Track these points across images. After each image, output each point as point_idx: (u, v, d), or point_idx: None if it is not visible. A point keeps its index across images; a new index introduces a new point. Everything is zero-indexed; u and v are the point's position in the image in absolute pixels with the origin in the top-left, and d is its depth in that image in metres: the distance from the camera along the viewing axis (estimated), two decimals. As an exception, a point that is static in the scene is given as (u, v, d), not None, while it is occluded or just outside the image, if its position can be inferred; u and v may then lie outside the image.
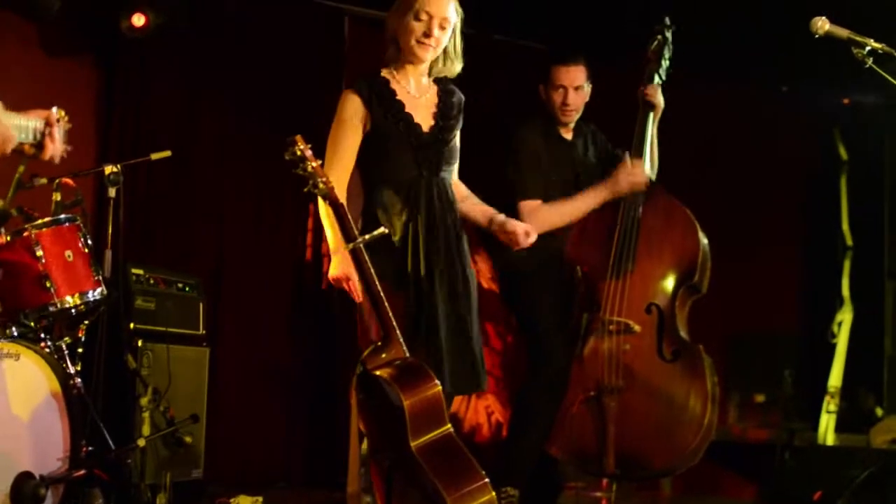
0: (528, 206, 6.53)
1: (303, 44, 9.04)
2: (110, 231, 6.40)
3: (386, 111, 5.32)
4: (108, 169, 6.33)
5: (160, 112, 8.46)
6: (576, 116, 6.86)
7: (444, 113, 5.42)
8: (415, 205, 5.25)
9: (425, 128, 5.36)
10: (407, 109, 5.34)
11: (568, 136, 6.90)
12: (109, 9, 8.01)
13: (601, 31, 8.63)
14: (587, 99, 6.86)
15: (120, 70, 8.41)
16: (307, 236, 9.01)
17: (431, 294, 5.19)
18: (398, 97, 5.37)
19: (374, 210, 5.26)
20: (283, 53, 8.93)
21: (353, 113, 5.32)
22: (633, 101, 6.89)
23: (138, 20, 7.93)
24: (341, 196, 4.90)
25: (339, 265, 5.11)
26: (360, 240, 4.77)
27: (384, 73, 5.44)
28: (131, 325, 7.13)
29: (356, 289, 5.06)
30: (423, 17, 5.25)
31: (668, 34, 6.85)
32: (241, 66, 8.76)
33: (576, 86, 6.75)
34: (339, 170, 5.25)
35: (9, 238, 5.57)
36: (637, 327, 6.49)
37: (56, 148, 3.93)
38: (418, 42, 5.29)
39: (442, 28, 5.28)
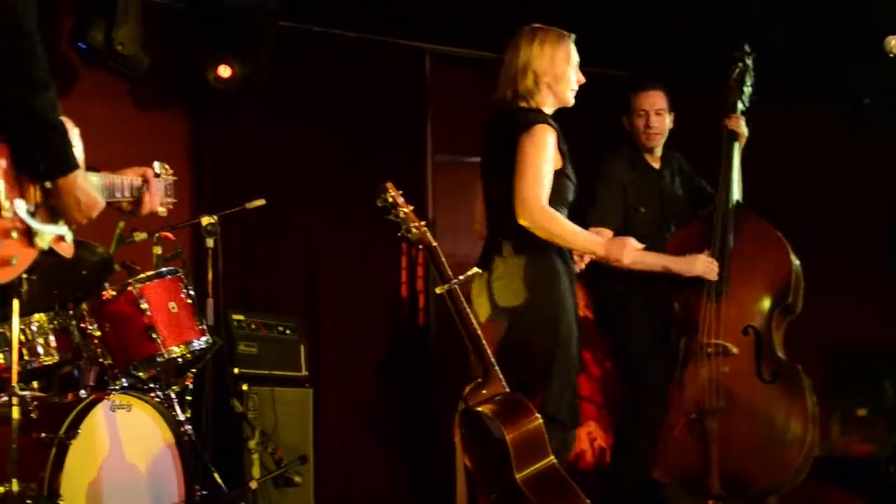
0: (601, 233, 6.55)
1: (385, 84, 9.15)
2: (210, 280, 6.56)
3: (565, 151, 5.49)
4: (205, 220, 6.50)
5: (250, 160, 8.63)
6: (660, 140, 6.91)
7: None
8: None
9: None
10: None
11: (655, 164, 6.96)
12: (196, 62, 8.20)
13: (674, 59, 8.64)
14: (671, 126, 6.91)
15: (209, 121, 8.61)
16: (401, 274, 9.11)
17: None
18: None
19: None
20: (367, 94, 9.05)
21: (553, 148, 5.45)
22: (710, 128, 6.92)
23: (224, 71, 8.11)
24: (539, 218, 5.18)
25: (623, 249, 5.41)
26: (454, 281, 4.85)
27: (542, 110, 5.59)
28: (235, 370, 7.29)
29: None
30: (576, 61, 5.66)
31: (749, 61, 6.85)
32: (326, 110, 8.90)
33: (656, 109, 6.82)
34: (544, 193, 5.37)
35: (114, 293, 5.71)
36: (735, 349, 6.51)
37: (153, 203, 4.01)
38: (572, 90, 5.56)
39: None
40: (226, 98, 8.42)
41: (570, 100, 5.66)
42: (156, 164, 4.16)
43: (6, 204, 3.23)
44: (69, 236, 3.55)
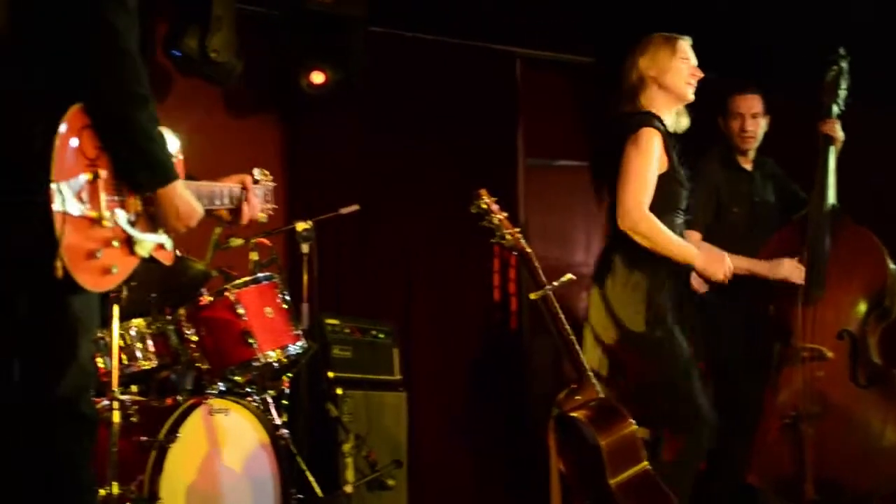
0: (690, 236, 6.50)
1: (476, 88, 9.18)
2: (305, 285, 6.62)
3: (673, 155, 5.49)
4: (300, 226, 6.56)
5: (343, 165, 8.68)
6: (754, 144, 6.87)
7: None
8: None
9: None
10: None
11: (747, 166, 6.91)
12: (289, 68, 8.29)
13: (767, 63, 8.56)
14: (765, 129, 6.87)
15: (303, 126, 8.70)
16: (493, 277, 9.12)
17: None
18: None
19: None
20: (458, 99, 9.09)
21: (659, 151, 5.45)
22: (805, 133, 6.86)
23: (317, 77, 8.19)
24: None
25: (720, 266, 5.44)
26: (548, 287, 4.87)
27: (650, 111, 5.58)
28: (330, 374, 7.35)
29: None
30: (687, 56, 5.60)
31: (844, 64, 6.76)
32: (418, 115, 8.95)
33: (753, 112, 6.79)
34: (647, 199, 5.38)
35: (211, 298, 5.79)
36: (830, 353, 6.44)
37: (253, 211, 4.04)
38: (688, 84, 5.52)
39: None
40: (318, 104, 8.48)
41: (688, 94, 5.65)
42: (255, 171, 4.19)
43: (107, 214, 3.29)
44: (169, 244, 3.61)
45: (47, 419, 3.34)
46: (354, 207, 7.04)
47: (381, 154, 8.82)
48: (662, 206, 5.38)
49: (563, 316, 4.91)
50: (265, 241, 6.31)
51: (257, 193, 4.07)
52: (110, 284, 3.37)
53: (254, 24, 8.34)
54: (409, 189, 8.91)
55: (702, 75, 5.66)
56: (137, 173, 3.34)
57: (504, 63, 9.39)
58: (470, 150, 9.03)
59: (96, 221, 3.28)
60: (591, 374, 5.00)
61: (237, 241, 6.34)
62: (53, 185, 3.13)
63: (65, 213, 3.17)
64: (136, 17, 3.33)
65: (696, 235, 6.50)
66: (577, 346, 4.98)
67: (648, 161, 5.34)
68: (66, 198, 3.16)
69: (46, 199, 3.12)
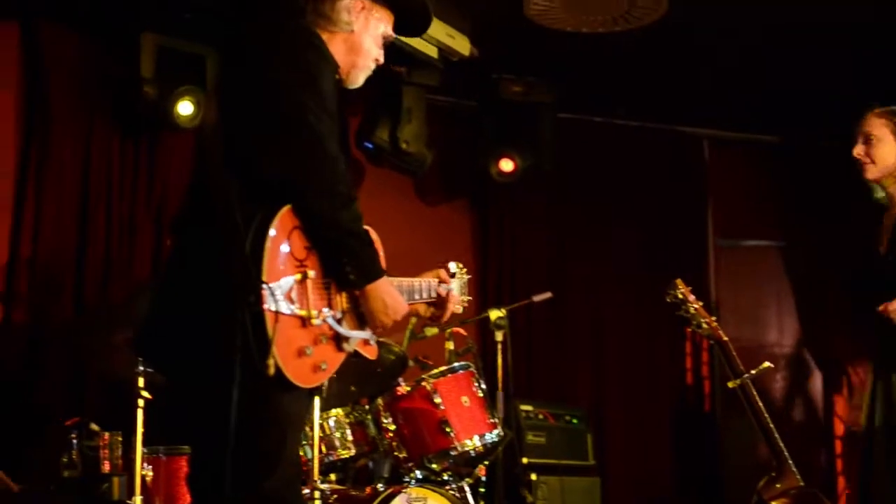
0: None
1: (665, 170, 9.20)
2: (500, 373, 6.64)
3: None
4: (494, 314, 6.59)
5: (533, 251, 8.76)
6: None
7: None
8: None
9: None
10: None
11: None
12: (479, 156, 8.41)
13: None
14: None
15: (492, 214, 8.81)
16: (685, 360, 9.05)
17: None
18: None
19: None
20: (647, 181, 9.13)
21: None
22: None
23: (507, 165, 8.30)
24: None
25: None
26: (746, 375, 4.83)
27: None
28: (524, 461, 7.36)
29: None
30: None
31: None
32: (607, 198, 9.00)
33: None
34: None
35: (408, 388, 5.84)
36: None
37: (452, 306, 4.09)
38: None
39: None
40: (508, 190, 8.57)
41: None
42: (451, 264, 4.25)
43: (315, 312, 3.38)
44: (373, 339, 3.69)
45: None
46: (547, 295, 7.03)
47: (570, 239, 8.88)
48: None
49: (761, 403, 4.85)
50: (461, 330, 6.36)
51: (454, 287, 4.12)
52: (320, 380, 3.44)
53: (443, 113, 8.52)
54: (599, 273, 8.93)
55: None
56: (346, 271, 3.42)
57: (692, 144, 9.41)
58: (659, 231, 9.04)
59: (306, 320, 3.37)
60: (790, 461, 4.92)
61: (432, 331, 6.40)
62: (265, 287, 3.24)
63: (277, 313, 3.27)
64: (336, 120, 3.44)
65: None
66: (776, 433, 4.91)
67: None
68: (278, 298, 3.27)
69: (259, 300, 3.22)
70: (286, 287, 3.31)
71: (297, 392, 3.45)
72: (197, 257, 3.42)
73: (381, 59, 3.85)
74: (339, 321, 3.48)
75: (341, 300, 3.52)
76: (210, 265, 3.35)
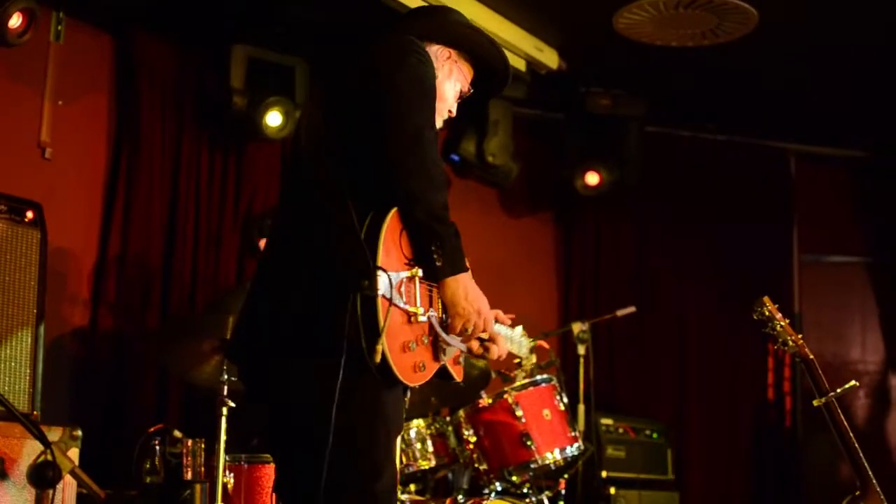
0: None
1: (750, 184, 9.15)
2: (581, 387, 6.66)
3: None
4: (577, 327, 6.61)
5: (617, 264, 8.76)
6: None
7: None
8: None
9: None
10: None
11: None
12: (564, 169, 8.42)
13: None
14: None
15: (577, 227, 8.82)
16: (768, 376, 9.00)
17: None
18: None
19: None
20: (732, 196, 9.08)
21: None
22: None
23: (592, 178, 8.30)
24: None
25: None
26: (831, 394, 4.78)
27: None
28: (604, 474, 7.36)
29: None
30: None
31: None
32: (692, 213, 8.97)
33: None
34: None
35: (490, 401, 5.86)
36: None
37: (499, 352, 4.02)
38: None
39: None
40: (593, 204, 8.58)
41: None
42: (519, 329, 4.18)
43: (421, 310, 3.41)
44: (462, 359, 3.70)
45: None
46: (631, 309, 7.04)
47: (654, 252, 8.87)
48: None
49: (846, 422, 4.80)
50: (543, 343, 6.36)
51: (505, 332, 4.04)
52: (419, 381, 3.42)
53: (530, 127, 8.54)
54: (682, 286, 8.91)
55: None
56: (433, 258, 3.39)
57: (778, 159, 9.36)
58: (745, 245, 9.00)
59: (412, 316, 3.37)
60: (874, 481, 4.87)
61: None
62: (381, 271, 3.25)
63: (390, 301, 3.28)
64: (433, 118, 3.47)
65: None
66: (860, 452, 4.86)
67: None
68: (393, 285, 3.29)
69: (373, 285, 3.22)
70: (397, 280, 3.32)
71: (396, 393, 3.45)
72: (303, 250, 3.41)
73: (454, 112, 3.87)
74: (442, 326, 3.49)
75: (439, 307, 3.53)
76: (319, 255, 3.36)
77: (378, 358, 3.21)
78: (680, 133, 9.02)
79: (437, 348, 3.50)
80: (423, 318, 3.41)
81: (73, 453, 4.95)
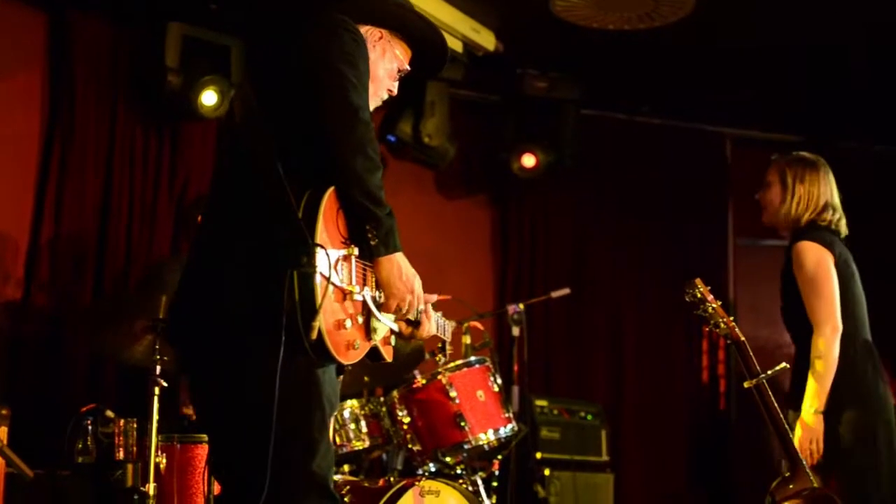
0: None
1: (686, 168, 9.21)
2: (516, 368, 6.67)
3: None
4: (512, 309, 6.61)
5: (551, 247, 8.79)
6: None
7: None
8: None
9: None
10: None
11: None
12: (500, 151, 8.43)
13: None
14: None
15: (513, 209, 8.83)
16: (702, 358, 9.07)
17: None
18: None
19: None
20: (668, 179, 9.14)
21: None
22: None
23: (528, 161, 8.32)
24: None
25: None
26: (762, 376, 4.82)
27: None
28: (538, 456, 7.38)
29: None
30: None
31: None
32: (628, 195, 9.02)
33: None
34: None
35: (424, 381, 5.86)
36: None
37: (426, 331, 4.02)
38: None
39: None
40: (529, 186, 8.60)
41: None
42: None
43: (356, 288, 3.41)
44: (393, 340, 3.70)
45: (302, 499, 3.36)
46: (566, 291, 7.07)
47: (590, 235, 8.91)
48: None
49: (776, 404, 4.84)
50: (477, 324, 6.39)
51: (434, 318, 4.04)
52: (352, 359, 3.41)
53: (467, 108, 8.54)
54: (618, 270, 8.96)
55: None
56: (368, 237, 3.39)
57: (714, 142, 9.42)
58: (680, 229, 9.06)
59: (347, 294, 3.39)
60: (804, 462, 4.92)
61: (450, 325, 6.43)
62: (319, 249, 3.26)
63: (327, 279, 3.28)
64: (367, 100, 3.47)
65: None
66: (791, 434, 4.91)
67: None
68: (330, 263, 3.29)
69: (311, 261, 3.23)
70: (334, 257, 3.33)
71: (331, 372, 3.45)
72: (240, 228, 3.40)
73: (395, 91, 3.87)
74: (375, 304, 3.50)
75: (375, 289, 3.53)
76: (256, 233, 3.35)
77: (314, 335, 3.21)
78: (616, 116, 9.06)
79: (369, 328, 3.50)
80: (357, 297, 3.42)
81: (2, 432, 4.91)
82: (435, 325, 3.90)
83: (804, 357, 5.34)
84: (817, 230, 5.50)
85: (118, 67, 7.06)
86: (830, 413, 5.23)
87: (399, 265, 3.45)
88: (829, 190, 5.61)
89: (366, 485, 5.66)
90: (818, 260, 5.38)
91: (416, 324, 3.76)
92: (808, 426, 5.22)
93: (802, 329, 5.38)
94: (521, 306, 6.71)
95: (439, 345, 4.16)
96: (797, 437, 5.22)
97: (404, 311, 3.54)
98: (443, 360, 4.14)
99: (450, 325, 4.26)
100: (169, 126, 7.23)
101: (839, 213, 5.61)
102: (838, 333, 5.27)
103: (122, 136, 7.04)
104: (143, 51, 7.03)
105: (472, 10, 7.26)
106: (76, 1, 6.91)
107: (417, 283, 3.53)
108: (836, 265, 5.39)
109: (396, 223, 3.43)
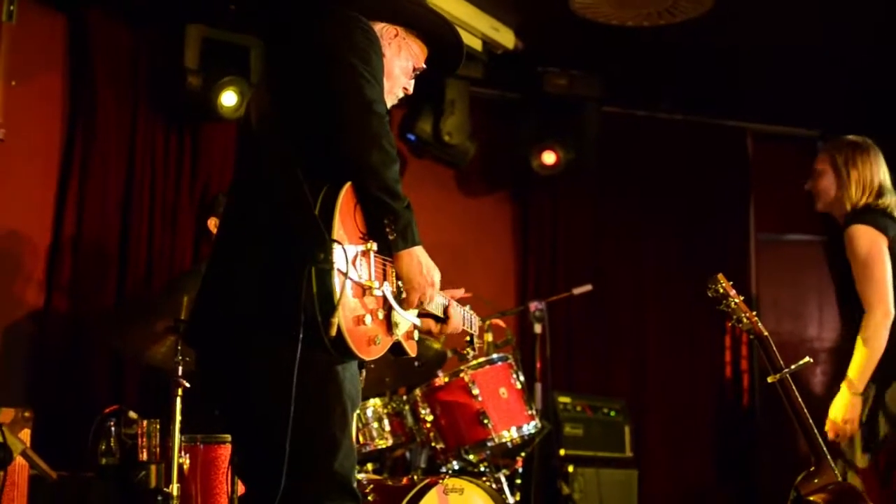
0: None
1: (708, 164, 9.19)
2: (538, 365, 6.66)
3: None
4: (534, 306, 6.61)
5: (574, 244, 8.77)
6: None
7: None
8: None
9: None
10: None
11: None
12: (521, 149, 8.43)
13: None
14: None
15: (533, 207, 8.82)
16: (725, 354, 9.04)
17: None
18: None
19: None
20: (690, 175, 9.11)
21: None
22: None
23: (549, 158, 8.31)
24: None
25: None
26: (785, 371, 4.80)
27: None
28: (562, 452, 7.38)
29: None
30: None
31: None
32: (650, 191, 9.00)
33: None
34: None
35: (447, 379, 5.86)
36: None
37: (455, 326, 4.01)
38: None
39: None
40: (550, 183, 8.59)
41: None
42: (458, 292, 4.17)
43: (376, 283, 3.39)
44: (416, 335, 3.68)
45: (323, 498, 3.35)
46: (588, 287, 7.06)
47: (612, 232, 8.89)
48: None
49: (800, 399, 4.82)
50: (500, 322, 6.38)
51: (461, 312, 4.04)
52: (374, 355, 3.40)
53: (487, 107, 8.53)
54: (641, 266, 8.95)
55: None
56: (386, 232, 3.38)
57: (735, 138, 9.40)
58: (702, 225, 9.03)
59: (367, 290, 3.37)
60: (829, 458, 4.90)
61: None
62: (336, 245, 3.24)
63: (345, 274, 3.27)
64: (381, 94, 3.46)
65: None
66: (815, 429, 4.89)
67: None
68: (348, 259, 3.28)
69: (328, 258, 3.21)
70: (352, 253, 3.31)
71: (352, 369, 3.44)
72: (258, 227, 3.39)
73: (410, 90, 3.87)
74: (396, 300, 3.48)
75: (395, 284, 3.52)
76: (274, 231, 3.34)
77: (333, 331, 3.19)
78: (636, 113, 9.04)
79: (390, 323, 3.49)
80: (377, 292, 3.39)
81: (25, 434, 4.91)
82: (462, 318, 3.90)
83: (851, 339, 5.32)
84: (871, 213, 5.45)
85: (138, 69, 7.07)
86: (879, 394, 5.23)
87: (419, 259, 3.43)
88: (881, 171, 5.56)
89: (389, 483, 5.66)
90: (871, 243, 5.35)
91: (444, 319, 3.76)
92: (844, 406, 5.22)
93: (855, 311, 5.38)
94: (543, 303, 6.70)
95: (467, 338, 4.13)
96: (832, 414, 5.24)
97: (426, 305, 3.54)
98: (471, 353, 4.12)
99: (476, 319, 4.25)
100: (189, 127, 7.24)
101: (892, 194, 5.54)
102: (890, 318, 5.27)
103: (142, 138, 7.05)
104: (163, 52, 7.04)
105: (491, 9, 7.26)
106: (96, 3, 6.92)
107: (438, 277, 3.51)
108: (890, 249, 5.37)
109: (414, 216, 3.41)
